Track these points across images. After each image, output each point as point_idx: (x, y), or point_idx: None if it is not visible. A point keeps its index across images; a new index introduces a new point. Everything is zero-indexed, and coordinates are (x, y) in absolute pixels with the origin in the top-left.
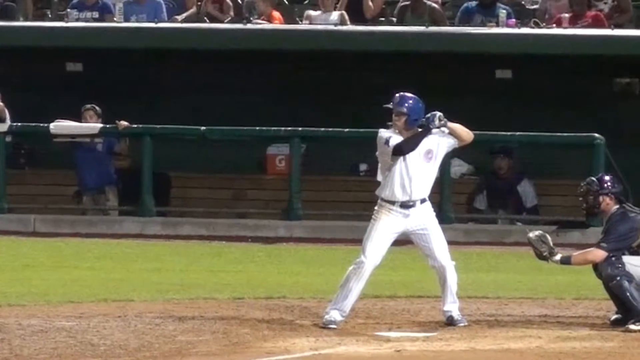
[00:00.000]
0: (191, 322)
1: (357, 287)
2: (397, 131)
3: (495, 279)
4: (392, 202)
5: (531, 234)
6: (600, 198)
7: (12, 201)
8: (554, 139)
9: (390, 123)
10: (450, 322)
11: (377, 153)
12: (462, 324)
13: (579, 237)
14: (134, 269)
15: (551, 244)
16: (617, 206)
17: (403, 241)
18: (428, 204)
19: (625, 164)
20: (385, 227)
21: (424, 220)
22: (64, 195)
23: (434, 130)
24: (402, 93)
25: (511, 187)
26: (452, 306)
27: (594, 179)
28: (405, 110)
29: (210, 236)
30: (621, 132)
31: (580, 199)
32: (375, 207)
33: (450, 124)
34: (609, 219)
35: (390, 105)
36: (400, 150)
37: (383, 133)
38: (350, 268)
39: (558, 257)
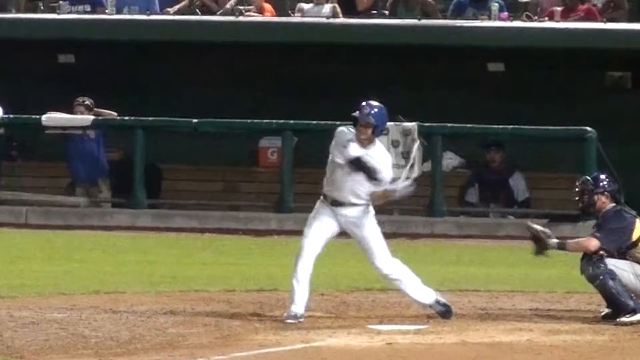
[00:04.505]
0: (182, 315)
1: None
2: (357, 138)
3: (486, 272)
4: (325, 197)
5: (535, 226)
6: (596, 197)
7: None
8: (546, 133)
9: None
10: (440, 312)
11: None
12: (447, 304)
13: (570, 230)
14: (126, 261)
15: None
16: (613, 204)
17: (390, 234)
18: (359, 208)
19: (616, 158)
20: (317, 212)
21: (354, 225)
22: (55, 187)
23: (375, 148)
24: (369, 102)
25: (503, 181)
26: (426, 302)
27: (589, 177)
28: (373, 121)
29: (201, 229)
30: (613, 126)
31: (577, 198)
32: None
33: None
34: (603, 215)
35: (356, 114)
36: (360, 169)
37: (346, 132)
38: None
39: (555, 241)
